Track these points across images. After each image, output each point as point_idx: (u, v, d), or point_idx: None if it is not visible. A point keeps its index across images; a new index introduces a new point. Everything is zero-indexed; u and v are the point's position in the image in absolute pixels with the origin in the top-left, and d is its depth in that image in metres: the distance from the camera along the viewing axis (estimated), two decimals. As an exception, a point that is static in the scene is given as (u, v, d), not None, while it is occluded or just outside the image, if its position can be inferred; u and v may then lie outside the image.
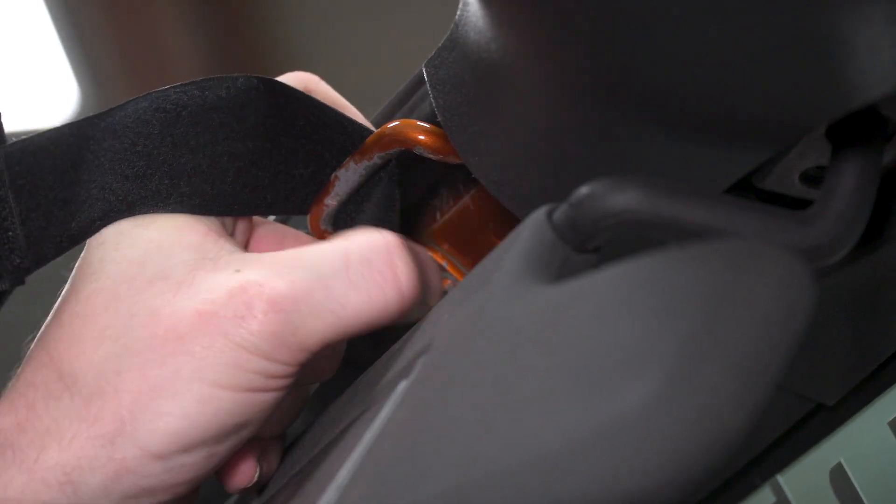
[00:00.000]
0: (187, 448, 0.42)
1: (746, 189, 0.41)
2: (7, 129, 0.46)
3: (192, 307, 0.41)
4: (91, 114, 0.46)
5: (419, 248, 0.50)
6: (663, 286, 0.28)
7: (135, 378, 0.41)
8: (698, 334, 0.26)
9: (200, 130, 0.46)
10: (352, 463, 0.36)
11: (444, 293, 0.53)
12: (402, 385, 0.38)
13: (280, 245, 0.49)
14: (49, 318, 0.45)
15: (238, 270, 0.42)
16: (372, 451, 0.36)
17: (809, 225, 0.35)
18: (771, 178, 0.40)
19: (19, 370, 0.44)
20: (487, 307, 0.34)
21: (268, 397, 0.42)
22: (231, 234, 0.47)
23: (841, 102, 0.34)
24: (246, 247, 0.48)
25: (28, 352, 0.44)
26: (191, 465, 0.42)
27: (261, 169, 0.47)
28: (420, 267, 0.45)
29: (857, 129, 0.36)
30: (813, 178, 0.40)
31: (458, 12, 0.45)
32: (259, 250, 0.48)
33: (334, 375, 0.53)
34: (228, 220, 0.47)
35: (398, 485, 0.31)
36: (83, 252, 0.45)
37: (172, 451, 0.41)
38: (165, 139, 0.46)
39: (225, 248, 0.44)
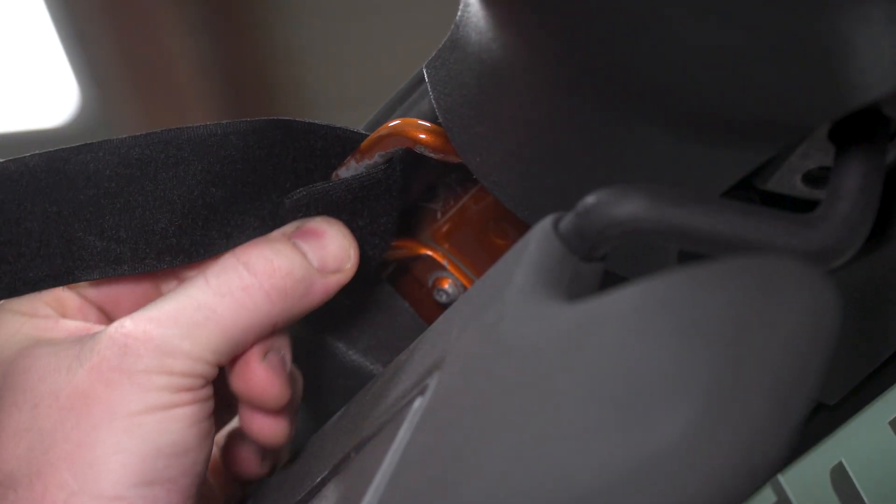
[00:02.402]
0: (138, 481, 0.43)
1: (749, 190, 0.41)
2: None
3: (83, 369, 0.44)
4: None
5: (311, 230, 0.48)
6: (688, 310, 0.28)
7: (61, 446, 0.43)
8: (729, 361, 0.26)
9: (167, 186, 0.47)
10: (375, 490, 0.36)
11: (444, 292, 0.53)
12: (418, 403, 0.38)
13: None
14: None
15: (107, 327, 0.45)
16: (396, 479, 0.35)
17: (815, 228, 0.35)
18: (774, 180, 0.40)
19: None
20: (503, 326, 0.34)
21: (186, 412, 0.45)
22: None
23: (842, 102, 0.34)
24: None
25: None
26: (151, 499, 0.44)
27: (232, 208, 0.48)
28: (289, 258, 0.47)
29: (859, 130, 0.36)
30: (816, 178, 0.40)
31: (459, 13, 0.45)
32: None
33: (336, 384, 0.53)
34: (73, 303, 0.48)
35: None
36: None
37: (127, 487, 0.43)
38: (135, 196, 0.47)
39: (99, 329, 0.46)
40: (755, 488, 0.25)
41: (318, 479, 0.44)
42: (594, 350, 0.30)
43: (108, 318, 0.49)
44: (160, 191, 0.47)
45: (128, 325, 0.44)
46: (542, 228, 0.36)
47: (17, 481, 0.44)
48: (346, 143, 0.49)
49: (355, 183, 0.48)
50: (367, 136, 0.49)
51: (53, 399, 0.44)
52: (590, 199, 0.34)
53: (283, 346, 0.49)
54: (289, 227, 0.48)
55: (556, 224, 0.36)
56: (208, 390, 0.46)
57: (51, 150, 0.46)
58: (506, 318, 0.34)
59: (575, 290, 0.35)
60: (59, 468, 0.43)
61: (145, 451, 0.43)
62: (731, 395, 0.25)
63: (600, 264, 0.35)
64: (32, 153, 0.46)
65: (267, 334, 0.47)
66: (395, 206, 0.50)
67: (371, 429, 0.41)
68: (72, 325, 0.47)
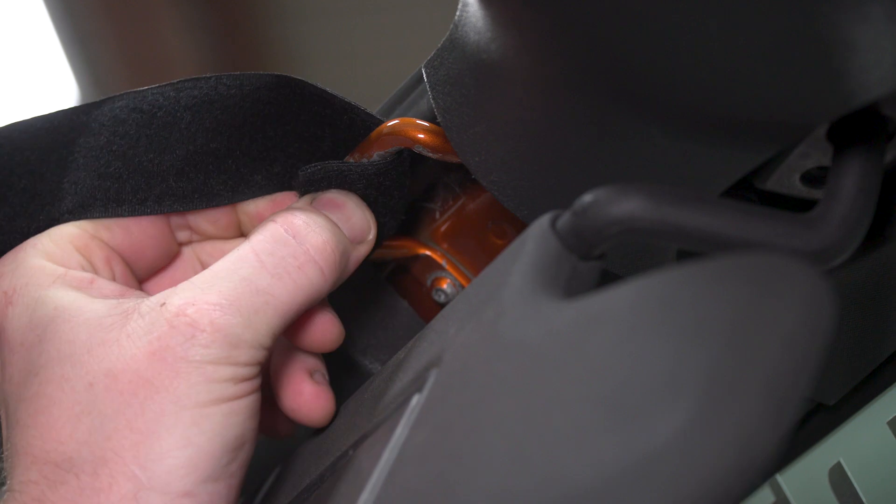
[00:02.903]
0: (206, 476, 0.42)
1: (748, 190, 0.41)
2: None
3: (144, 352, 0.43)
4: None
5: (332, 201, 0.49)
6: (684, 308, 0.28)
7: (126, 435, 0.42)
8: (725, 361, 0.26)
9: (174, 130, 0.47)
10: (373, 486, 0.36)
11: (442, 292, 0.53)
12: (416, 399, 0.38)
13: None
14: (4, 422, 0.45)
15: (163, 304, 0.43)
16: (394, 476, 0.35)
17: (813, 228, 0.35)
18: (773, 180, 0.40)
19: (7, 477, 0.44)
20: (501, 325, 0.34)
21: (246, 402, 0.44)
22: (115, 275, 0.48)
23: (841, 102, 0.34)
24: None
25: (5, 460, 0.44)
26: (216, 495, 0.43)
27: (238, 161, 0.48)
28: (331, 230, 0.46)
29: (858, 130, 0.36)
30: (814, 178, 0.40)
31: (458, 13, 0.45)
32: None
33: (335, 383, 0.53)
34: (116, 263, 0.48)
35: None
36: None
37: (196, 483, 0.42)
38: (141, 139, 0.47)
39: (133, 295, 0.46)
40: (751, 486, 0.25)
41: (316, 476, 0.44)
42: (591, 349, 0.30)
43: (132, 270, 0.48)
44: (165, 134, 0.47)
45: (191, 313, 0.43)
46: (539, 227, 0.36)
47: (80, 467, 0.42)
48: (354, 118, 0.49)
49: (371, 168, 0.48)
50: (373, 117, 0.49)
51: (112, 380, 0.42)
52: (587, 198, 0.34)
53: (321, 365, 0.49)
54: (307, 199, 0.48)
55: (553, 222, 0.35)
56: (261, 378, 0.45)
57: (77, 105, 0.47)
58: (504, 317, 0.34)
59: (573, 288, 0.35)
60: (124, 458, 0.42)
61: (214, 446, 0.42)
62: (727, 394, 0.25)
63: (598, 263, 0.35)
64: (58, 110, 0.47)
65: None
66: (405, 195, 0.50)
67: (368, 426, 0.41)
68: (106, 287, 0.46)
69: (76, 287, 0.45)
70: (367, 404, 0.44)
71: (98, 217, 0.47)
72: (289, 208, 0.47)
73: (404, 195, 0.50)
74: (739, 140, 0.37)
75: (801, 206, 0.39)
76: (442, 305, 0.53)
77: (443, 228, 0.53)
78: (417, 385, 0.38)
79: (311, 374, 0.48)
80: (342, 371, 0.54)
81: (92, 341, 0.43)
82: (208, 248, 0.51)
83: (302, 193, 0.49)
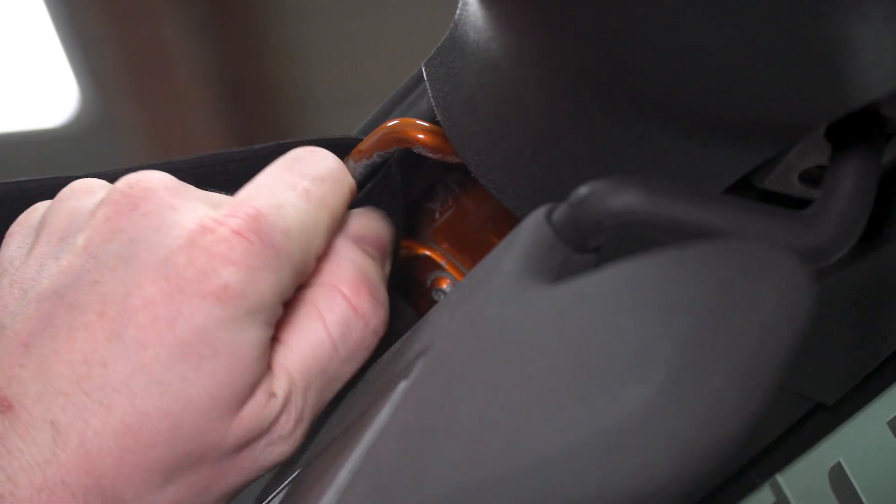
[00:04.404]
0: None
1: (746, 188, 0.41)
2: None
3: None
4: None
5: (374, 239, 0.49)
6: (664, 288, 0.29)
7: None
8: (699, 337, 0.26)
9: None
10: (352, 463, 0.36)
11: (442, 292, 0.53)
12: (402, 385, 0.38)
13: None
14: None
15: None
16: (372, 452, 0.35)
17: (809, 225, 0.35)
18: (771, 178, 0.40)
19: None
20: (486, 308, 0.34)
21: None
22: None
23: (841, 102, 0.34)
24: None
25: None
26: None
27: None
28: (387, 306, 0.47)
29: (856, 130, 0.36)
30: (813, 177, 0.40)
31: (458, 11, 0.45)
32: None
33: None
34: None
35: (399, 486, 0.31)
36: None
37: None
38: None
39: None
40: (715, 465, 0.25)
41: (305, 465, 0.45)
42: (567, 325, 0.30)
43: None
44: None
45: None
46: (534, 218, 0.36)
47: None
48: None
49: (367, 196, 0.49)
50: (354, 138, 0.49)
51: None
52: (583, 190, 0.34)
53: None
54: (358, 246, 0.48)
55: (549, 214, 0.36)
56: None
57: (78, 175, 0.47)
58: (490, 302, 0.34)
59: (564, 278, 0.35)
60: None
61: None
62: (697, 371, 0.26)
63: (593, 256, 0.35)
64: (59, 175, 0.47)
65: None
66: (399, 205, 0.50)
67: (356, 415, 0.42)
68: None
69: None
70: (359, 396, 0.44)
71: None
72: (354, 269, 0.46)
73: (398, 207, 0.50)
74: (739, 140, 0.37)
75: (800, 205, 0.39)
76: (442, 305, 0.53)
77: (443, 228, 0.53)
78: (405, 373, 0.38)
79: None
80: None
81: None
82: None
83: None
